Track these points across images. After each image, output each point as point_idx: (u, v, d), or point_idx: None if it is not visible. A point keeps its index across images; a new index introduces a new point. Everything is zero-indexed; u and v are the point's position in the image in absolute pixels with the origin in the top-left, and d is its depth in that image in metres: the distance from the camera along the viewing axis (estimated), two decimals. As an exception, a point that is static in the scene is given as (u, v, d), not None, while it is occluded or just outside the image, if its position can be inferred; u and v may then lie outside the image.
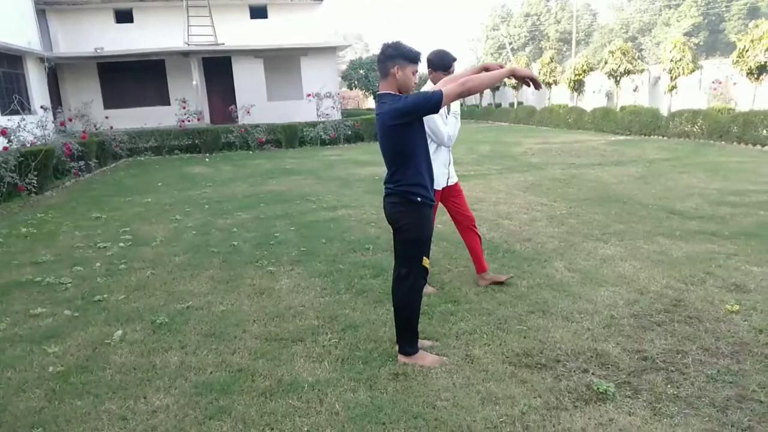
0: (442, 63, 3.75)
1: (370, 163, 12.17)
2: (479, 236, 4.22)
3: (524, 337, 3.29)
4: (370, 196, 8.11)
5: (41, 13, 18.14)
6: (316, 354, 3.18)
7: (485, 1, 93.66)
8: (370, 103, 41.63)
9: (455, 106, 3.87)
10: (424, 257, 2.97)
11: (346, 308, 3.84)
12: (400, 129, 2.78)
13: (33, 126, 11.28)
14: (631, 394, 2.68)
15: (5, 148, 9.79)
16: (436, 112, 2.81)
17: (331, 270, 4.70)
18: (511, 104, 27.88)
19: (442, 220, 6.30)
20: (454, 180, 4.06)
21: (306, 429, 2.46)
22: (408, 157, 2.84)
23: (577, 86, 21.39)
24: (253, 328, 3.59)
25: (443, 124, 3.77)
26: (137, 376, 3.00)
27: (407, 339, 3.01)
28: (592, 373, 2.87)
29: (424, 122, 2.97)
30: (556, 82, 23.38)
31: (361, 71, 32.29)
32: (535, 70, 24.22)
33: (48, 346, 3.38)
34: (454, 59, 3.79)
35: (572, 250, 5.00)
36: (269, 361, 3.12)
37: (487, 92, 30.48)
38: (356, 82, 32.70)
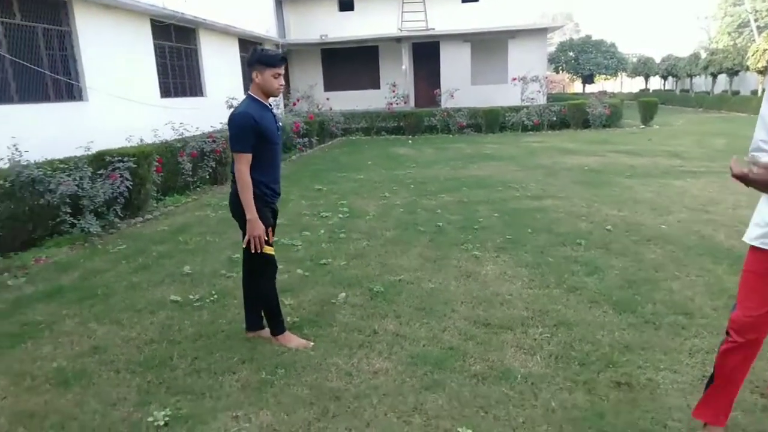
0: None
1: (577, 151, 11.47)
2: None
3: (780, 368, 2.79)
4: (579, 187, 7.64)
5: (278, 4, 20.60)
6: (527, 346, 3.11)
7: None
8: (577, 87, 39.22)
9: None
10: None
11: (558, 304, 3.68)
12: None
13: (269, 105, 12.93)
14: None
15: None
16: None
17: (538, 262, 4.55)
18: (754, 92, 23.78)
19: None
20: None
21: (521, 420, 2.42)
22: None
23: None
24: (461, 309, 3.65)
25: None
26: (359, 337, 3.27)
27: (274, 321, 3.24)
28: None
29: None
30: (820, 67, 19.27)
31: (571, 53, 30.52)
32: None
33: (286, 299, 3.86)
34: None
35: None
36: (479, 344, 3.14)
37: (722, 77, 26.42)
38: (564, 65, 31.04)
